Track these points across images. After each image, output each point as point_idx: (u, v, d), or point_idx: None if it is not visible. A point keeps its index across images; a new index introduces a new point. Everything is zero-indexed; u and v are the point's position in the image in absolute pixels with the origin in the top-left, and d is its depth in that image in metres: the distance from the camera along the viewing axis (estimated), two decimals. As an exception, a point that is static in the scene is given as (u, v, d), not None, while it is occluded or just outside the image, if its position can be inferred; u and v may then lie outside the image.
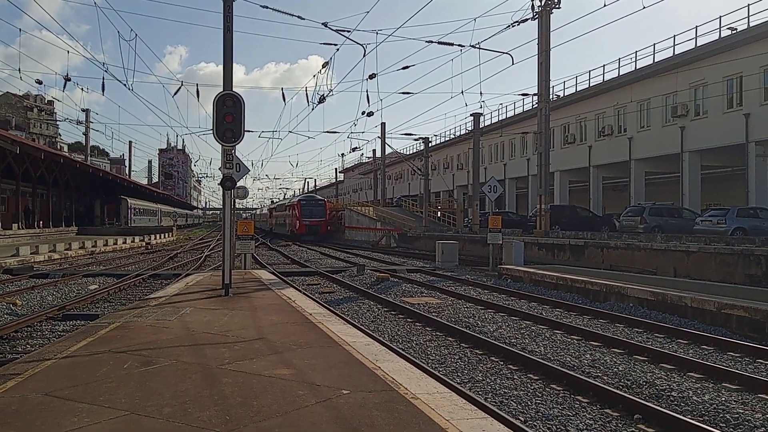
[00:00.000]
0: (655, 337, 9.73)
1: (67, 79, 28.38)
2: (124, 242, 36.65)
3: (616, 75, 35.92)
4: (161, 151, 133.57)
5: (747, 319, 10.03)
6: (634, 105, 34.64)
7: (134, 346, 6.50)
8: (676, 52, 31.11)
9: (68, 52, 31.83)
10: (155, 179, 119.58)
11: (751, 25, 26.74)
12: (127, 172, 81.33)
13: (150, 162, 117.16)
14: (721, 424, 5.66)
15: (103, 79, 24.08)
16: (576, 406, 6.19)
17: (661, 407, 5.94)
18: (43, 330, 9.92)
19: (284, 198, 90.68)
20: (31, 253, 23.84)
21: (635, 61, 34.22)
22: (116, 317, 8.69)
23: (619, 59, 46.92)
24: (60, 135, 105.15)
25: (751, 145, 27.04)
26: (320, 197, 54.82)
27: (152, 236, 43.66)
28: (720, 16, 32.37)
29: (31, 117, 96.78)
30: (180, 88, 24.24)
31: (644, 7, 18.58)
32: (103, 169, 57.65)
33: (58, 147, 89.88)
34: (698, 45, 29.65)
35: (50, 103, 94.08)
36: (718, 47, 28.37)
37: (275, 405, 4.43)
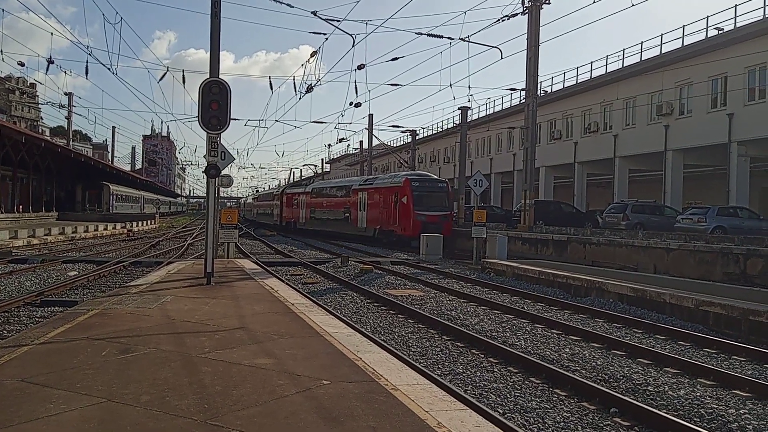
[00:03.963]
0: (634, 333, 9.86)
1: (50, 61, 27.89)
2: (106, 229, 36.28)
3: (604, 72, 36.11)
4: (145, 137, 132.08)
5: (724, 317, 10.19)
6: (620, 103, 34.86)
7: (113, 334, 6.44)
8: (663, 51, 31.34)
9: (52, 34, 31.12)
10: (139, 166, 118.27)
11: (738, 25, 27.00)
12: (110, 157, 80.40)
13: (134, 148, 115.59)
14: (695, 419, 5.75)
15: (87, 62, 23.82)
16: (554, 399, 6.26)
17: (637, 401, 6.03)
18: (20, 316, 9.79)
19: (303, 178, 68.97)
20: (9, 238, 23.51)
21: (623, 59, 34.43)
22: (95, 304, 8.61)
23: (607, 57, 47.50)
24: (42, 119, 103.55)
25: (734, 145, 27.36)
26: (439, 177, 34.37)
27: (134, 223, 43.24)
28: (707, 16, 32.63)
29: (12, 100, 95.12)
30: (165, 73, 24.01)
31: (633, 5, 18.67)
32: (85, 155, 56.95)
33: (40, 131, 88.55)
34: (685, 44, 29.88)
35: (32, 86, 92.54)
36: (704, 47, 28.61)
37: (255, 394, 4.42)
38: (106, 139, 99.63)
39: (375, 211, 31.27)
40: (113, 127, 72.16)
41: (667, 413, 5.73)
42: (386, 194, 30.32)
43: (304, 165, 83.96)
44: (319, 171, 70.33)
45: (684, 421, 5.50)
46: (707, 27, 28.56)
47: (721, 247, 16.98)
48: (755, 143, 26.92)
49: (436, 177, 32.24)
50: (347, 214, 35.00)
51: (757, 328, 9.50)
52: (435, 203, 28.14)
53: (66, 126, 56.67)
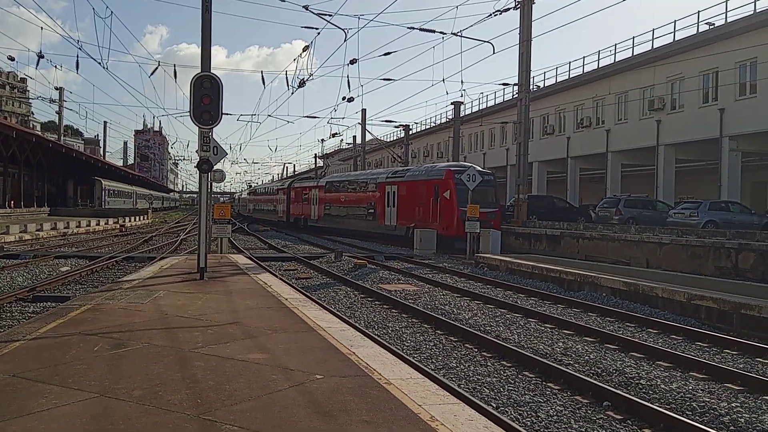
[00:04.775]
0: (626, 327, 9.90)
1: (41, 56, 27.76)
2: (98, 224, 36.08)
3: (596, 67, 36.16)
4: (137, 132, 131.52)
5: (715, 310, 10.25)
6: (612, 97, 34.92)
7: (105, 329, 6.41)
8: (654, 46, 31.41)
9: (42, 29, 30.87)
10: (131, 161, 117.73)
11: (729, 20, 27.08)
12: (101, 153, 79.98)
13: (125, 143, 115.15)
14: (687, 412, 5.78)
15: (77, 57, 23.67)
16: (547, 392, 6.28)
17: (629, 395, 6.06)
18: (12, 311, 9.74)
19: (301, 171, 63.89)
20: (1, 233, 23.35)
21: (614, 53, 34.48)
22: (88, 299, 8.56)
23: (599, 52, 47.35)
24: (33, 114, 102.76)
25: (725, 139, 27.49)
26: (484, 170, 28.93)
27: (127, 218, 43.03)
28: (698, 11, 32.72)
29: (2, 95, 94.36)
30: (157, 68, 23.95)
31: None
32: (76, 150, 56.61)
33: (31, 126, 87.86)
34: (676, 39, 29.95)
35: (23, 80, 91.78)
36: (696, 42, 28.68)
37: (248, 389, 4.41)
38: (97, 134, 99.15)
39: (408, 208, 27.38)
40: (105, 122, 71.79)
41: (660, 406, 5.77)
42: (423, 188, 26.50)
43: (319, 157, 77.24)
44: (330, 164, 63.21)
45: (676, 414, 5.54)
46: (698, 22, 28.67)
47: (713, 242, 17.08)
48: (746, 138, 27.05)
49: (480, 168, 27.51)
50: (371, 211, 31.21)
51: (749, 322, 9.57)
52: (481, 199, 24.15)
53: (57, 121, 56.28)
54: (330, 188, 37.88)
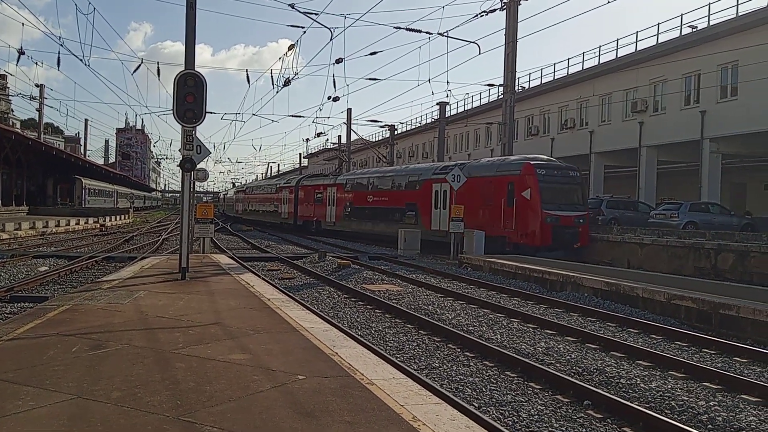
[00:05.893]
0: (607, 326, 9.99)
1: (21, 52, 27.29)
2: (78, 223, 35.64)
3: (580, 69, 36.44)
4: (119, 130, 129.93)
5: (695, 310, 10.39)
6: (596, 99, 35.22)
7: (84, 330, 6.33)
8: (638, 49, 31.74)
9: (23, 25, 30.39)
10: (112, 159, 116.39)
11: (712, 23, 27.43)
12: (82, 151, 79.01)
13: (107, 141, 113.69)
14: (666, 411, 5.85)
15: (59, 53, 23.27)
16: (529, 392, 6.32)
17: (609, 394, 6.11)
18: (-11, 312, 9.57)
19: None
20: (-21, 233, 22.98)
21: (599, 56, 34.75)
22: (66, 300, 8.45)
23: (584, 53, 47.70)
24: (12, 111, 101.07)
25: (706, 141, 27.85)
26: (568, 164, 24.23)
27: (107, 218, 42.57)
28: (681, 14, 33.11)
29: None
30: (140, 65, 23.74)
31: (608, 2, 18.87)
32: (57, 147, 55.75)
33: (11, 123, 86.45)
34: (659, 42, 30.30)
35: (3, 77, 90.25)
36: (679, 45, 29.03)
37: (229, 390, 4.38)
38: (78, 132, 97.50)
39: (468, 210, 21.74)
40: (86, 120, 70.85)
41: (639, 405, 5.82)
42: (491, 186, 22.04)
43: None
44: (347, 159, 56.54)
45: (655, 412, 5.60)
46: (681, 25, 29.01)
47: (692, 242, 17.31)
48: (727, 140, 27.43)
49: (562, 163, 23.62)
50: (411, 213, 26.56)
51: (727, 322, 9.70)
52: (568, 199, 20.95)
53: (37, 118, 55.49)
54: (352, 186, 33.23)
